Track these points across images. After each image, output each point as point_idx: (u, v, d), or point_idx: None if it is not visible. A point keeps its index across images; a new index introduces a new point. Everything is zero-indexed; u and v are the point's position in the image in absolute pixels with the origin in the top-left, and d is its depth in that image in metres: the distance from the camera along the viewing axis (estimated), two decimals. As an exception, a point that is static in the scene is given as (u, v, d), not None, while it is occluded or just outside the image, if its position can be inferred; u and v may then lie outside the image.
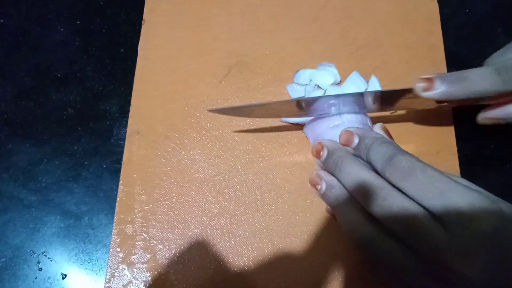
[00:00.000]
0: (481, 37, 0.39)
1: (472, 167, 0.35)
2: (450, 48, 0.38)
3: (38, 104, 0.39)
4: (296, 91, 0.36)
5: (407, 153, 0.25)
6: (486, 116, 0.31)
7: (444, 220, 0.22)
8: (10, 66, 0.40)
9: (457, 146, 0.35)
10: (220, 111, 0.34)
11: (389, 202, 0.24)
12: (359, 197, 0.26)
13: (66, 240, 0.34)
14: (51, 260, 0.34)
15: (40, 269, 0.33)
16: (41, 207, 0.35)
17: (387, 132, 0.30)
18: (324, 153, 0.30)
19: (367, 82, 0.36)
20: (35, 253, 0.34)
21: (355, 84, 0.35)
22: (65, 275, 0.33)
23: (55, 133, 0.38)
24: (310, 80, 0.36)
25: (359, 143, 0.28)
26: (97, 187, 0.35)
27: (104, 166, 0.36)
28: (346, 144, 0.29)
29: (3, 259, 0.34)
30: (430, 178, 0.23)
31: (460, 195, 0.22)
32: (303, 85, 0.36)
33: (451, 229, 0.22)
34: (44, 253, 0.34)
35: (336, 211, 0.28)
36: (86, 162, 0.36)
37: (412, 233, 0.23)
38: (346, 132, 0.29)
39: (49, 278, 0.33)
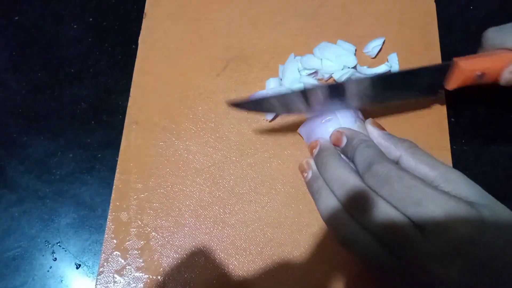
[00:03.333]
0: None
1: (465, 164, 0.35)
2: (454, 46, 0.39)
3: (53, 98, 0.39)
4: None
5: (387, 160, 0.25)
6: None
7: (422, 227, 0.22)
8: (25, 61, 0.41)
9: (450, 141, 0.35)
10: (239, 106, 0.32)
11: (367, 207, 0.24)
12: (340, 198, 0.26)
13: (80, 230, 0.35)
14: (65, 250, 0.34)
15: (55, 259, 0.34)
16: (56, 198, 0.36)
17: (378, 126, 0.30)
18: (315, 151, 0.30)
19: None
20: (50, 243, 0.34)
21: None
22: (79, 265, 0.34)
23: (69, 126, 0.38)
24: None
25: (346, 144, 0.29)
26: (110, 179, 0.36)
27: (117, 158, 0.36)
28: (336, 144, 0.30)
29: (19, 249, 0.34)
30: (406, 187, 0.23)
31: (436, 204, 0.22)
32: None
33: (429, 236, 0.22)
34: (59, 243, 0.34)
35: (317, 204, 0.28)
36: (100, 155, 0.37)
37: (391, 237, 0.23)
38: (337, 132, 0.30)
39: (63, 267, 0.34)
